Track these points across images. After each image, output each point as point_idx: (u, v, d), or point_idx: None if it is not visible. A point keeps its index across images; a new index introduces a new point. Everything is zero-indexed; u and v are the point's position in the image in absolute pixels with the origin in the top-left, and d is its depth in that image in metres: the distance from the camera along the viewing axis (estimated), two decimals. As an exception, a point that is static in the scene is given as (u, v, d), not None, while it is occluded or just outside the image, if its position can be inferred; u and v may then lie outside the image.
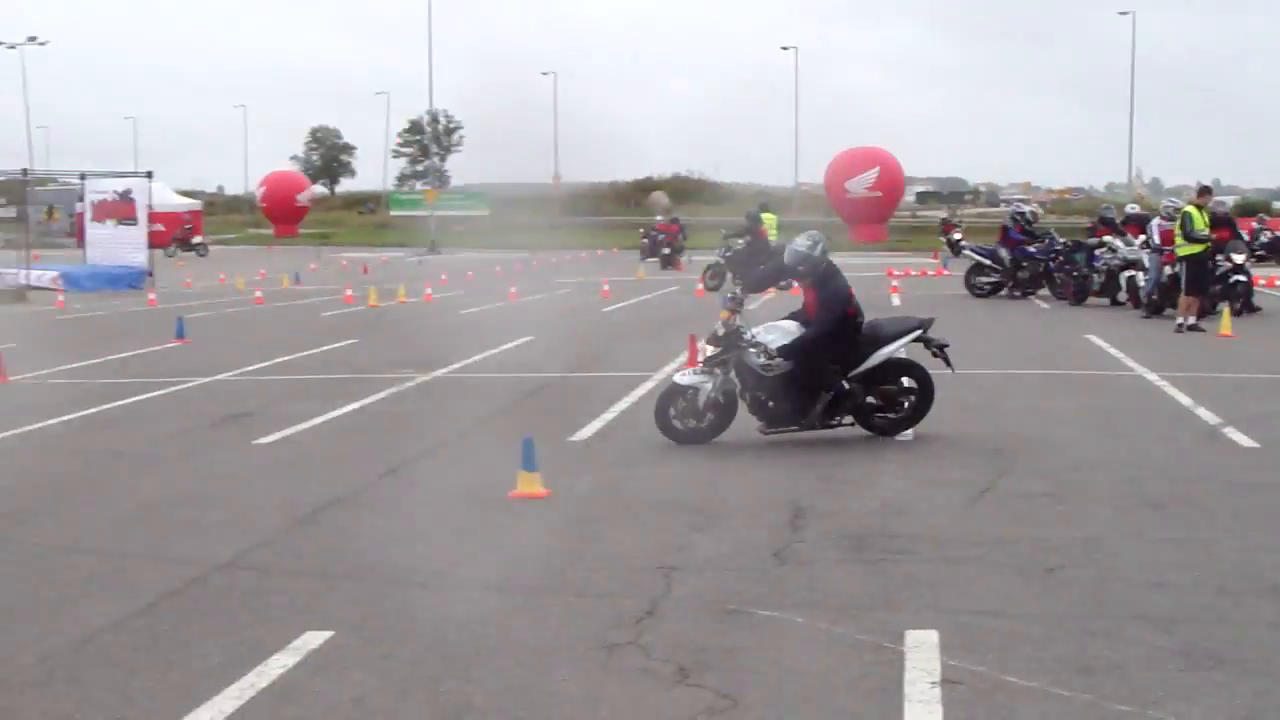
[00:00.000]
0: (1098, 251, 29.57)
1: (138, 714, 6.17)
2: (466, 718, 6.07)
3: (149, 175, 45.16)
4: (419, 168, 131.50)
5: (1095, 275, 29.47)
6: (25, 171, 47.87)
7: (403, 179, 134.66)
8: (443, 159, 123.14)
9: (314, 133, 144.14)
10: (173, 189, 74.74)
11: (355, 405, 15.79)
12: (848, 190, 74.11)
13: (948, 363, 13.77)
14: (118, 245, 44.03)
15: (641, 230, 50.41)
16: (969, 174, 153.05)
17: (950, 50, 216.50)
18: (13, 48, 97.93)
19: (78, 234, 51.64)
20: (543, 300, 34.35)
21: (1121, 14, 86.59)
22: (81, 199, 47.72)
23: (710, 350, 13.06)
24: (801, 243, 13.12)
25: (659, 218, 49.11)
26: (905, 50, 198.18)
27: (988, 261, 32.74)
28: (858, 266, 47.53)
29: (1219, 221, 25.62)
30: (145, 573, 8.71)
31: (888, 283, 35.97)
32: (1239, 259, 25.95)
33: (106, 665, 6.90)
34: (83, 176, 46.50)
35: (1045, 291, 31.52)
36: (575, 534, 9.46)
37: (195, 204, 77.64)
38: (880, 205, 73.81)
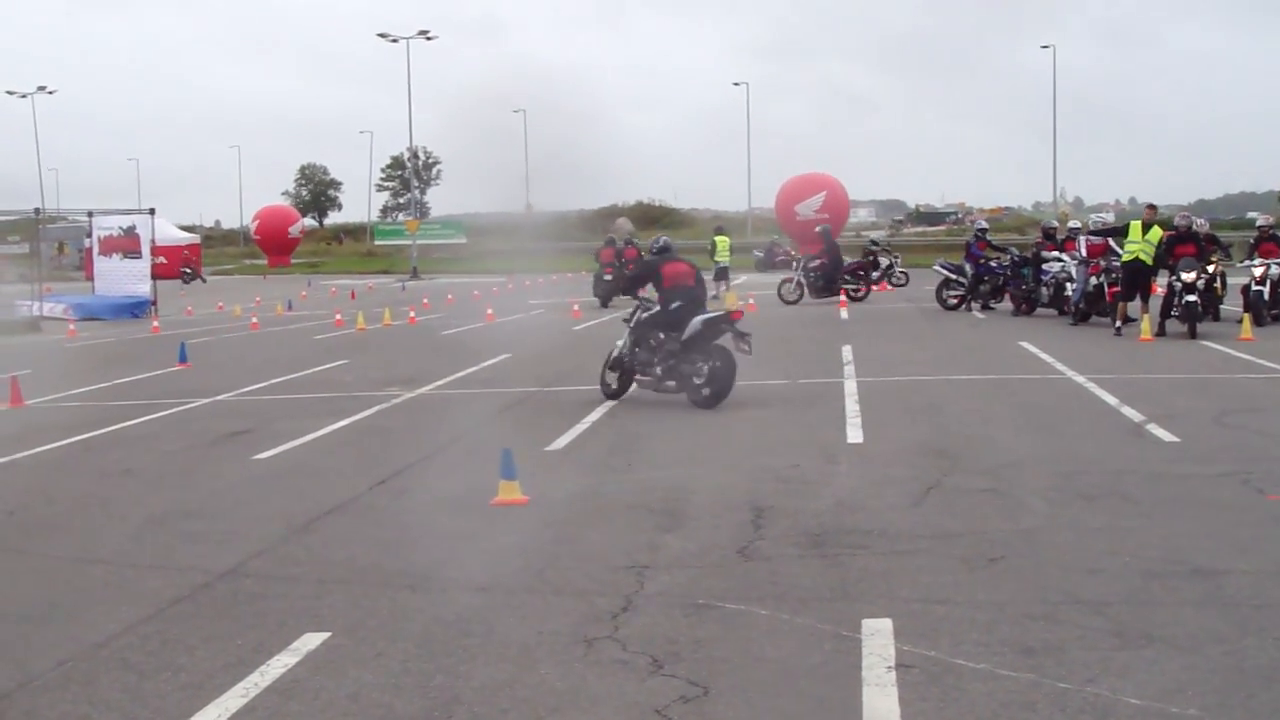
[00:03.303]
0: (1045, 266, 29.36)
1: (150, 714, 6.10)
2: (455, 711, 6.01)
3: (151, 212, 44.93)
4: (401, 200, 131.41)
5: (1044, 288, 29.25)
6: (37, 211, 47.51)
7: (386, 211, 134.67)
8: (423, 191, 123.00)
9: (303, 170, 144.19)
10: (173, 224, 74.50)
11: (346, 421, 15.71)
12: (797, 213, 74.26)
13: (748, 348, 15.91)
14: (123, 277, 43.85)
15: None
16: (908, 196, 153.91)
17: (887, 84, 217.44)
18: (24, 97, 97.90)
19: (86, 267, 51.45)
20: (518, 321, 34.30)
21: (1043, 48, 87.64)
22: (89, 235, 47.51)
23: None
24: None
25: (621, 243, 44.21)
26: (845, 84, 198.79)
27: (954, 276, 32.77)
28: (807, 283, 47.43)
29: (1183, 237, 24.03)
30: (154, 581, 8.62)
31: (836, 298, 35.98)
32: (1188, 277, 23.10)
33: (120, 668, 6.82)
34: (90, 214, 46.35)
35: (1007, 303, 31.41)
36: (553, 537, 9.40)
37: (194, 238, 77.41)
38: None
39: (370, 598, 7.97)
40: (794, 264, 38.76)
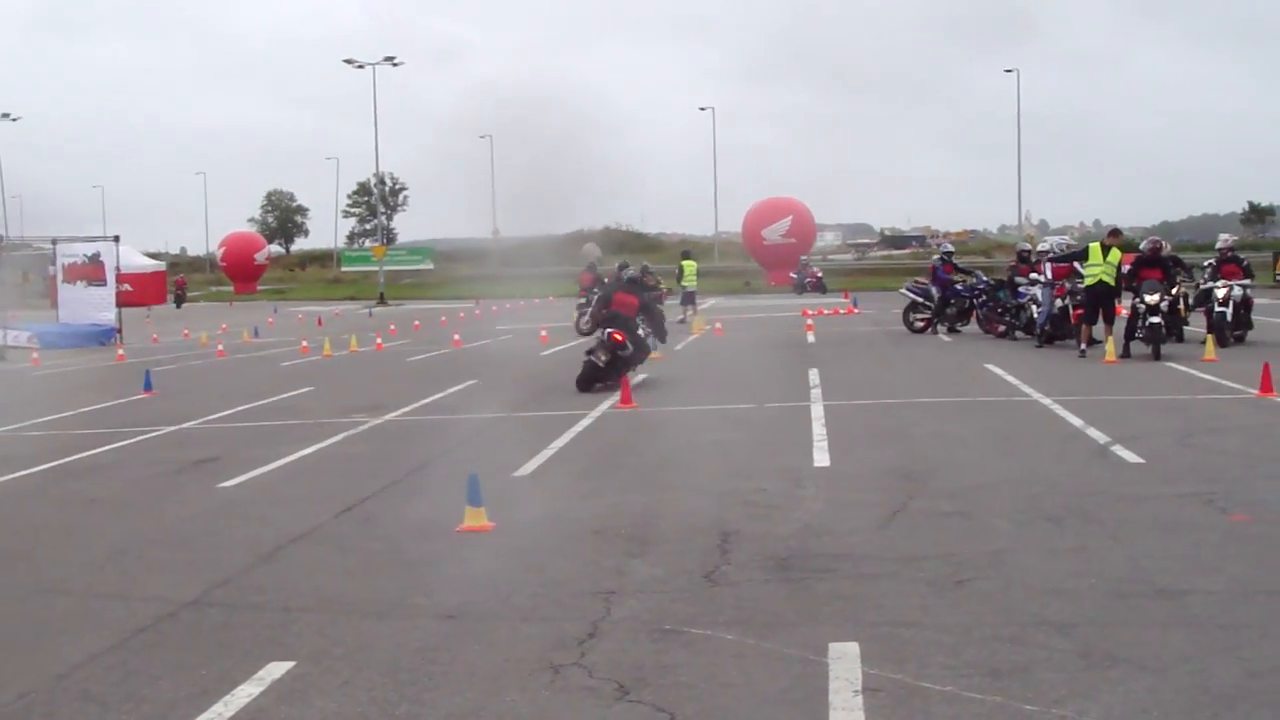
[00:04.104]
0: (1021, 288, 29.31)
1: (112, 746, 6.04)
2: (422, 739, 5.98)
3: (116, 239, 44.73)
4: (368, 226, 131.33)
5: (1022, 310, 29.14)
6: (0, 238, 47.21)
7: (353, 237, 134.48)
8: (389, 217, 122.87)
9: (269, 196, 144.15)
10: (139, 251, 74.28)
11: (312, 448, 15.64)
12: (764, 238, 74.61)
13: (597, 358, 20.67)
14: (88, 305, 43.59)
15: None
16: (875, 220, 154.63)
17: (853, 108, 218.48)
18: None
19: (51, 295, 51.11)
20: (485, 346, 34.24)
21: (1006, 72, 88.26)
22: (53, 263, 47.19)
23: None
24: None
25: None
26: (811, 109, 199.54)
27: (921, 299, 32.76)
28: (774, 308, 47.73)
29: (1149, 261, 24.07)
30: (117, 611, 8.55)
31: (803, 321, 36.07)
32: (1151, 300, 23.18)
33: (82, 700, 6.75)
34: (54, 242, 46.01)
35: (974, 326, 31.51)
36: (519, 563, 9.36)
37: (160, 265, 77.22)
38: (794, 250, 74.14)
39: (336, 626, 7.92)
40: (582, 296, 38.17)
